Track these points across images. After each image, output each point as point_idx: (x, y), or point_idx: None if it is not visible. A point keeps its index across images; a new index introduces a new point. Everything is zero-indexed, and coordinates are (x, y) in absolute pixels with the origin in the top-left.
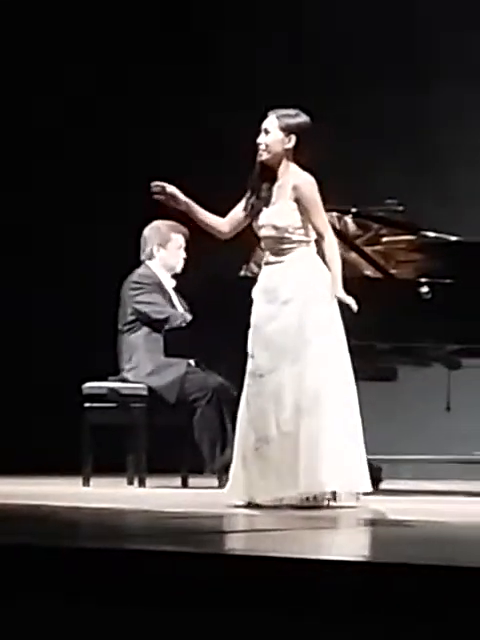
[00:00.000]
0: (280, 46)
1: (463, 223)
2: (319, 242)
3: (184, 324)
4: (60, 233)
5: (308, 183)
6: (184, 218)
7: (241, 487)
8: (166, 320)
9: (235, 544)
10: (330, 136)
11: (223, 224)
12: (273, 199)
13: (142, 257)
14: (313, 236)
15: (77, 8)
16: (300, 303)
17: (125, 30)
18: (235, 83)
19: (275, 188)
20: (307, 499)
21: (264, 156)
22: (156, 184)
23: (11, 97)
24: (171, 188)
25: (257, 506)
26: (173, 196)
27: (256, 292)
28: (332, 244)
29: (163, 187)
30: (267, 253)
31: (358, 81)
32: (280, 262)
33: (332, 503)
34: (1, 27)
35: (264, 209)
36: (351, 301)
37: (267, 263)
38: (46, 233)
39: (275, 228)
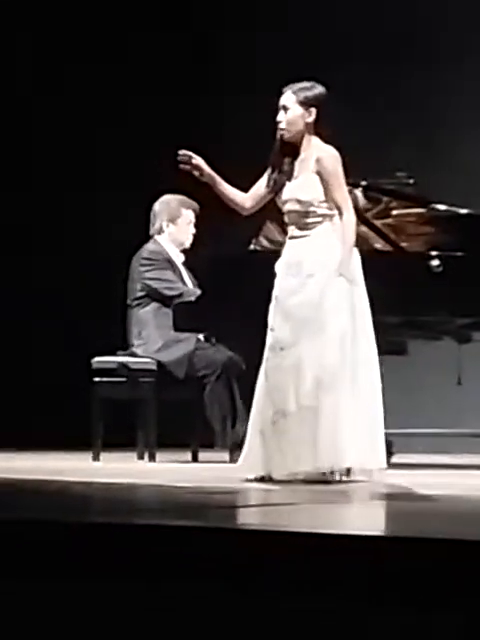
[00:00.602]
0: (280, 43)
1: (474, 195)
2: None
3: (194, 299)
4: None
5: (331, 156)
6: (206, 190)
7: (259, 461)
8: (179, 296)
9: (247, 518)
10: (338, 109)
11: (246, 199)
12: (296, 173)
13: (151, 231)
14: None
15: (77, 8)
16: (324, 277)
17: (125, 30)
18: (235, 83)
19: (297, 162)
20: (323, 474)
21: (286, 134)
22: (183, 153)
23: (11, 97)
24: (197, 159)
25: (271, 480)
26: (198, 167)
27: (279, 265)
28: (349, 223)
29: (190, 156)
30: (291, 227)
31: (366, 56)
32: (305, 236)
33: (345, 478)
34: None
35: (287, 183)
36: (352, 279)
37: (292, 237)
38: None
39: (299, 202)
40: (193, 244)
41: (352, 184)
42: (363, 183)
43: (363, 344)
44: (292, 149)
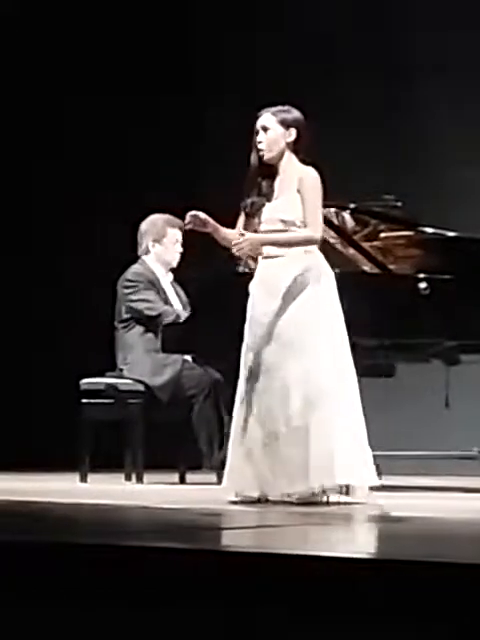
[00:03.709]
0: (279, 46)
1: (460, 219)
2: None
3: (180, 320)
4: (59, 229)
5: (313, 177)
6: (208, 238)
7: (250, 483)
8: (158, 316)
9: (234, 540)
10: (324, 132)
11: (238, 235)
12: (276, 194)
13: (139, 252)
14: (320, 232)
15: (77, 9)
16: (304, 297)
17: (125, 31)
18: (236, 82)
19: (277, 182)
20: (315, 494)
21: (267, 154)
22: (192, 214)
23: (11, 98)
24: (203, 215)
25: (267, 502)
26: (204, 222)
27: (255, 286)
28: (307, 234)
29: (196, 216)
30: (268, 247)
31: (353, 76)
32: (282, 256)
33: (342, 498)
34: (7, 30)
35: (267, 204)
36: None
37: (267, 257)
38: (45, 230)
39: (283, 222)
40: (182, 264)
41: (340, 206)
42: (351, 205)
43: (343, 362)
44: (270, 171)
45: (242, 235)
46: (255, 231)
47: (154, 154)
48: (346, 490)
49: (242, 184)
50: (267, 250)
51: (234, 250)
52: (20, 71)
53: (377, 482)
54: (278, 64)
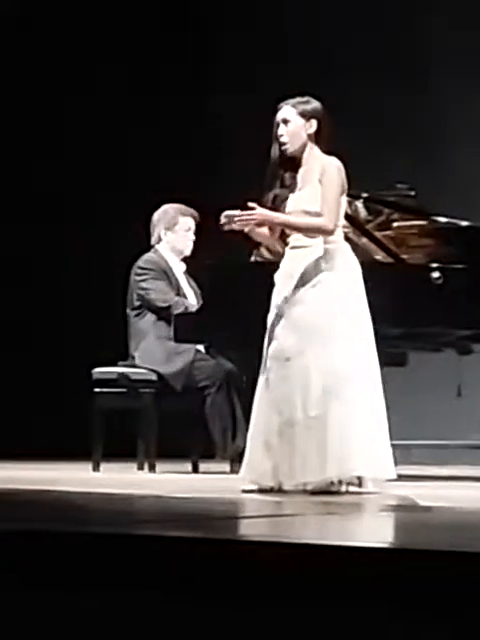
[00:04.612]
0: (279, 42)
1: (475, 208)
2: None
3: (192, 309)
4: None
5: (335, 167)
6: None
7: (266, 473)
8: (168, 308)
9: (248, 530)
10: (339, 120)
11: (272, 232)
12: (299, 185)
13: (152, 241)
14: (342, 222)
15: (77, 9)
16: (327, 287)
17: (125, 30)
18: (235, 82)
19: (300, 174)
20: (331, 483)
21: (289, 147)
22: (226, 214)
23: (11, 98)
24: (236, 212)
25: (280, 491)
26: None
27: (279, 276)
28: (320, 223)
29: (231, 215)
30: (293, 237)
31: (361, 67)
32: (308, 246)
33: (355, 488)
34: (7, 30)
35: (290, 196)
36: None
37: (293, 248)
38: (46, 229)
39: (306, 213)
40: (195, 253)
41: (353, 196)
42: (364, 195)
43: (365, 352)
44: (292, 163)
45: (253, 208)
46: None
47: (154, 154)
48: (359, 481)
49: (242, 184)
50: (293, 241)
51: (239, 222)
52: (20, 71)
53: (393, 475)
54: (278, 64)
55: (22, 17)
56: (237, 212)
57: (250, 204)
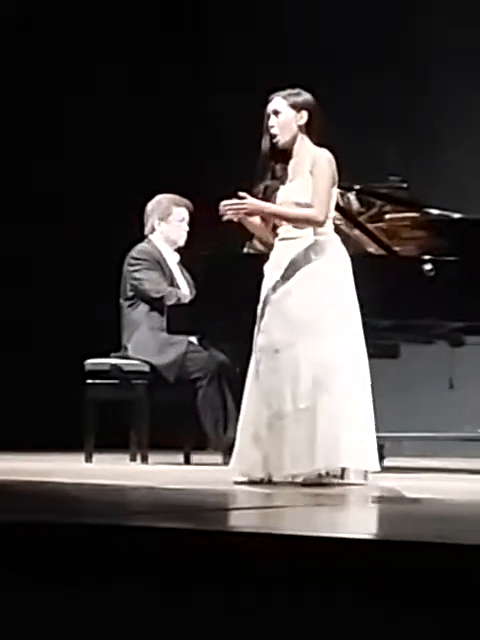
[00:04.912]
0: (279, 42)
1: (466, 200)
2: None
3: (186, 300)
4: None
5: (326, 158)
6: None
7: (256, 464)
8: (160, 298)
9: (239, 521)
10: (331, 113)
11: (265, 223)
12: (290, 176)
13: (145, 231)
14: (332, 214)
15: (77, 9)
16: (318, 279)
17: (125, 30)
18: (235, 82)
19: (291, 166)
20: (320, 475)
21: (280, 139)
22: (224, 204)
23: (11, 97)
24: (234, 201)
25: (270, 483)
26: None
27: (269, 267)
28: (310, 213)
29: (228, 205)
30: (283, 229)
31: (361, 67)
32: (297, 237)
33: (340, 480)
34: (7, 30)
35: (281, 187)
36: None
37: (283, 239)
38: (50, 207)
39: (297, 204)
40: (188, 243)
41: (345, 188)
42: (356, 187)
43: (354, 344)
44: (283, 154)
45: (244, 198)
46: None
47: (154, 154)
48: (342, 472)
49: (241, 185)
50: (282, 233)
51: (228, 210)
52: (20, 71)
53: (378, 468)
54: (278, 64)
55: (22, 17)
56: (230, 201)
57: (240, 194)
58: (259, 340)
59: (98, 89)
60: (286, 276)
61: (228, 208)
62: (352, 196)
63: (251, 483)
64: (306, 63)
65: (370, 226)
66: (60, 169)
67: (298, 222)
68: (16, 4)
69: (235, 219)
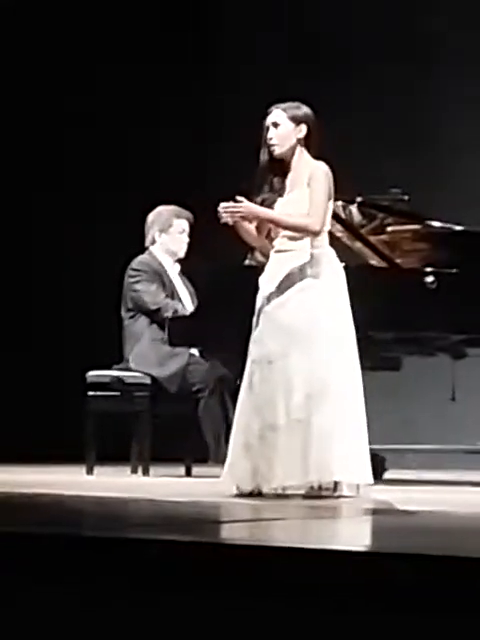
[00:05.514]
0: (280, 43)
1: (467, 213)
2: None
3: (179, 314)
4: (61, 224)
5: (323, 172)
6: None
7: (246, 476)
8: (157, 311)
9: (239, 533)
10: (332, 126)
11: (259, 233)
12: (288, 189)
13: (146, 243)
14: (328, 226)
15: (77, 8)
16: (312, 291)
17: (125, 30)
18: (235, 82)
19: (289, 178)
20: (312, 488)
21: (277, 150)
22: (223, 206)
23: (10, 97)
24: (230, 204)
25: (260, 495)
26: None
27: (264, 279)
28: (306, 222)
29: (227, 208)
30: (279, 241)
31: (359, 69)
32: (293, 250)
33: (332, 493)
34: (7, 30)
35: (279, 200)
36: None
37: (278, 251)
38: (48, 222)
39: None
40: (189, 255)
41: (347, 200)
42: (358, 199)
43: (348, 357)
44: (281, 167)
45: (240, 201)
46: (269, 231)
47: (154, 154)
48: (334, 486)
49: (242, 185)
50: (278, 245)
51: (224, 213)
52: (20, 71)
53: (371, 481)
54: (278, 64)
55: (22, 17)
56: (228, 204)
57: (238, 197)
58: (253, 351)
59: (98, 89)
60: (281, 288)
61: (225, 211)
62: (354, 208)
63: (240, 496)
64: (306, 63)
65: (372, 238)
66: (60, 169)
67: (294, 230)
68: (16, 4)
69: (231, 222)
